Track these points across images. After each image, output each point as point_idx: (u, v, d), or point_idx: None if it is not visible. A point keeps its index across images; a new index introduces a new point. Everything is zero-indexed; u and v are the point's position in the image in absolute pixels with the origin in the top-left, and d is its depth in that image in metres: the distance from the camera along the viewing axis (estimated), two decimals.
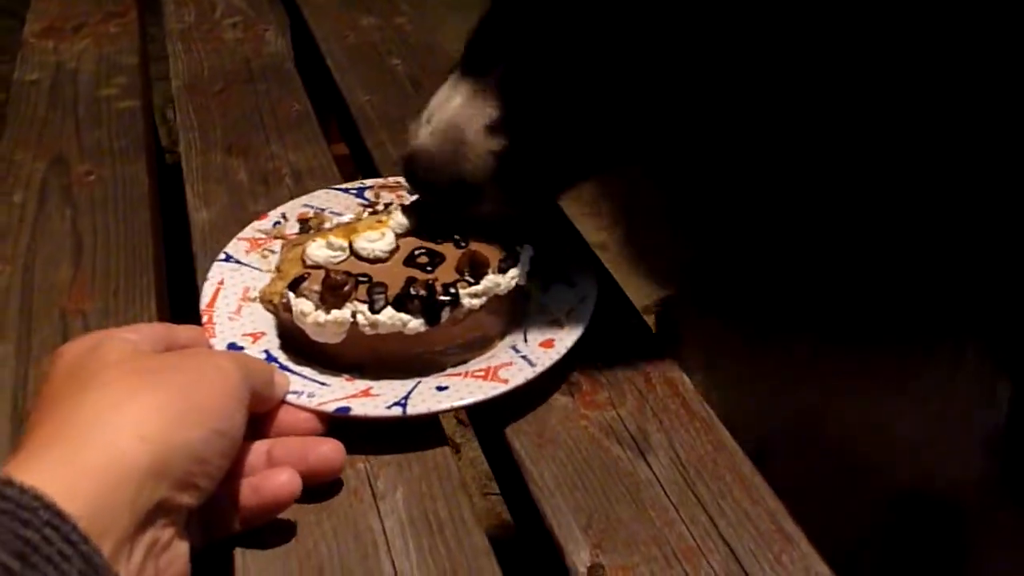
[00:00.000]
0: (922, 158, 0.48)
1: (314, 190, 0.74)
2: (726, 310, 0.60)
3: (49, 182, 0.78)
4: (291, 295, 0.56)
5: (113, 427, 0.40)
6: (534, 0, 0.51)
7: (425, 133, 0.55)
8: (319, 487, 0.50)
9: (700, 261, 0.60)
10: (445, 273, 0.57)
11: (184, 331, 0.55)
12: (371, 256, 0.58)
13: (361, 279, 0.56)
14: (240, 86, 0.92)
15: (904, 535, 0.62)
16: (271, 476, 0.47)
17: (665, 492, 0.51)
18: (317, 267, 0.58)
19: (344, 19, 1.06)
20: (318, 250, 0.59)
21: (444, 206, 0.58)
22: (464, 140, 0.54)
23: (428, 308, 0.55)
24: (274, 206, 0.73)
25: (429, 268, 0.57)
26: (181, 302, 0.68)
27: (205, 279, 0.62)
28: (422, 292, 0.55)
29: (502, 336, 0.59)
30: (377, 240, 0.59)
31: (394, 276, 0.57)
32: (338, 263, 0.58)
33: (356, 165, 0.87)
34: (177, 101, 0.90)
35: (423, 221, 0.60)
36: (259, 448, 0.50)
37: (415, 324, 0.55)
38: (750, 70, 0.49)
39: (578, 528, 0.49)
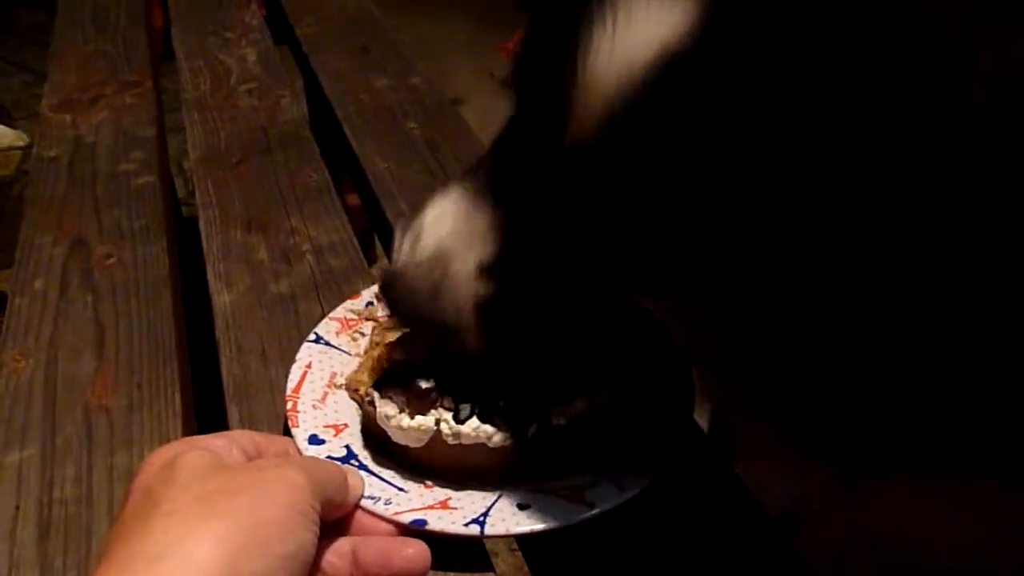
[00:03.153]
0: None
1: (336, 267, 0.73)
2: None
3: (70, 267, 0.78)
4: (376, 395, 0.54)
5: (174, 566, 0.39)
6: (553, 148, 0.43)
7: (409, 253, 0.49)
8: None
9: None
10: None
11: (274, 443, 0.53)
12: None
13: None
14: (257, 157, 0.92)
15: None
16: None
17: None
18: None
19: (359, 80, 1.06)
20: None
21: (420, 335, 0.54)
22: (449, 275, 0.48)
23: (515, 423, 0.52)
24: (296, 285, 0.73)
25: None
26: (206, 391, 0.67)
27: (293, 361, 0.61)
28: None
29: (591, 454, 0.54)
30: None
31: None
32: None
33: (377, 235, 0.87)
34: (195, 176, 0.89)
35: None
36: (342, 548, 0.48)
37: (499, 438, 0.52)
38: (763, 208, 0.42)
39: None
